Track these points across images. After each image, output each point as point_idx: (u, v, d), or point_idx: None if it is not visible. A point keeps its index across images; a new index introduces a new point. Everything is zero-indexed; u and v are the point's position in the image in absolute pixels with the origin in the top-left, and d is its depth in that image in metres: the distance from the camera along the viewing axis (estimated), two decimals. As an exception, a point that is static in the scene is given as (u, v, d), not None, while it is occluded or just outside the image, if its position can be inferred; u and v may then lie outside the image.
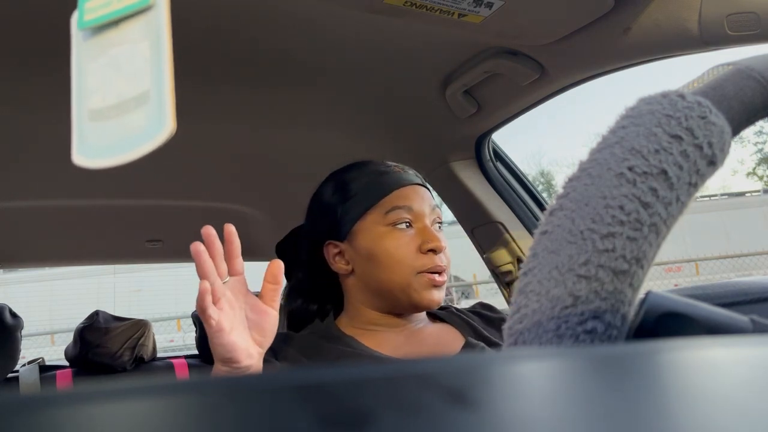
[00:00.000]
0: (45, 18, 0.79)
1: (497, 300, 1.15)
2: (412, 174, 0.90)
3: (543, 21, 0.84)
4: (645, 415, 0.13)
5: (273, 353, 0.79)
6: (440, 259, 0.83)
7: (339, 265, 0.87)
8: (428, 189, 0.91)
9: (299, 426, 0.12)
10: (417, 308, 0.84)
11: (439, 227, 0.87)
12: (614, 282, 0.24)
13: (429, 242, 0.82)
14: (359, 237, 0.85)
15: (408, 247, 0.82)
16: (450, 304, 0.99)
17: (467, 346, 0.83)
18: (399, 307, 0.84)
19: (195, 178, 1.43)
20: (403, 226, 0.84)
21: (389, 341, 0.84)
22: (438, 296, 0.83)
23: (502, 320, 0.89)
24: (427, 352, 0.82)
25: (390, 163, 0.91)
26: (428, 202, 0.87)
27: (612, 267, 0.24)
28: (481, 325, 0.89)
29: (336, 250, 0.87)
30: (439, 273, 0.82)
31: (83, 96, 0.30)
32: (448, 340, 0.86)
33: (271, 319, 0.67)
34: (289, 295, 0.98)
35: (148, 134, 0.27)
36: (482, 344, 0.83)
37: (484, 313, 0.94)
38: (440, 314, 0.92)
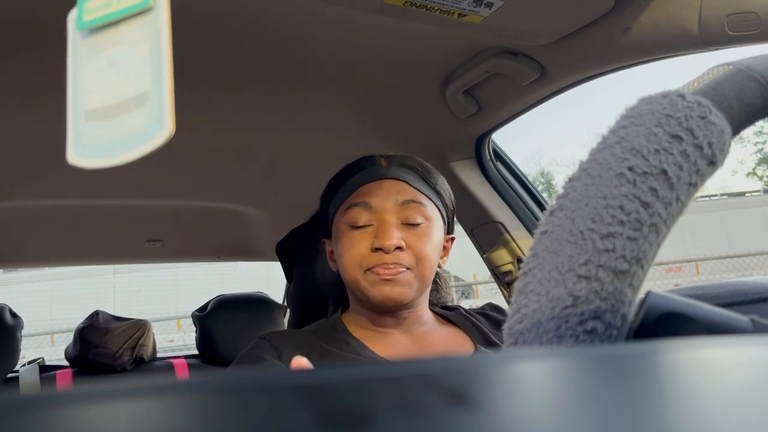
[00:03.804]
0: (44, 17, 0.79)
1: (497, 300, 1.15)
2: (395, 167, 0.83)
3: (543, 21, 0.84)
4: (645, 415, 0.13)
5: (277, 353, 0.78)
6: (391, 258, 0.77)
7: (331, 263, 0.87)
8: (427, 181, 0.84)
9: (299, 426, 0.12)
10: (375, 306, 0.80)
11: (416, 225, 0.80)
12: (614, 282, 0.24)
13: (377, 240, 0.77)
14: (333, 235, 0.85)
15: (361, 245, 0.79)
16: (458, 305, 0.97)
17: (476, 353, 0.81)
18: (367, 305, 0.81)
19: (195, 178, 1.44)
20: (361, 224, 0.80)
21: (397, 345, 0.82)
22: (390, 290, 0.77)
23: None
24: None
25: (380, 155, 0.86)
26: (395, 197, 0.80)
27: (612, 267, 0.24)
28: (490, 329, 0.86)
29: (329, 248, 0.88)
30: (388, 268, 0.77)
31: (79, 96, 0.30)
32: (457, 346, 0.83)
33: None
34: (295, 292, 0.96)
35: (146, 135, 0.27)
36: (491, 352, 0.81)
37: (492, 315, 0.91)
38: (449, 316, 0.89)
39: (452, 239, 0.90)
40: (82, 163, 0.29)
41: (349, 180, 0.84)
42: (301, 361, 0.55)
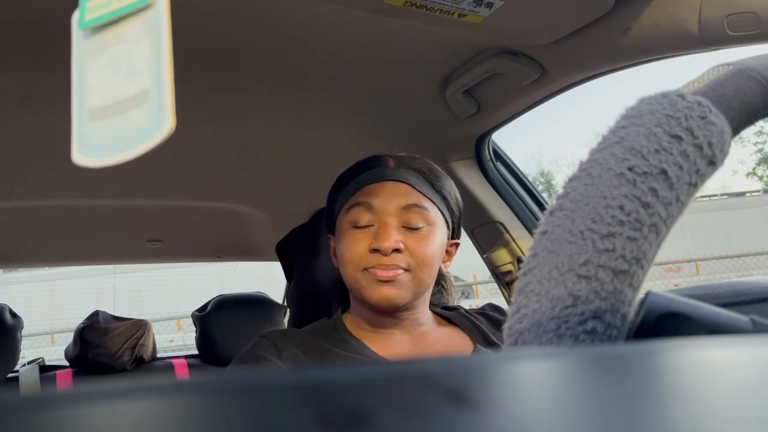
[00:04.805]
0: (44, 17, 0.79)
1: (497, 300, 1.15)
2: (401, 169, 0.83)
3: (543, 21, 0.84)
4: (645, 415, 0.13)
5: (277, 352, 0.78)
6: (388, 260, 0.77)
7: (334, 259, 0.88)
8: (434, 184, 0.83)
9: (299, 426, 0.12)
10: (372, 306, 0.80)
11: (417, 229, 0.79)
12: (614, 282, 0.24)
13: (375, 241, 0.78)
14: (336, 232, 0.85)
15: (360, 245, 0.79)
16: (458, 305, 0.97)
17: (476, 353, 0.81)
18: (366, 305, 0.81)
19: (195, 178, 1.44)
20: (363, 224, 0.80)
21: (397, 345, 0.82)
22: (386, 292, 0.77)
23: None
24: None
25: (389, 156, 0.85)
26: (398, 200, 0.80)
27: (612, 267, 0.24)
28: (490, 329, 0.86)
29: (333, 245, 0.88)
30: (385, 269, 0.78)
31: (83, 95, 0.30)
32: (457, 345, 0.83)
33: None
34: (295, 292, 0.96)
35: (147, 133, 0.27)
36: (491, 352, 0.81)
37: (492, 315, 0.91)
38: (449, 316, 0.89)
39: (457, 245, 0.89)
40: (87, 163, 0.29)
41: (355, 179, 0.84)
42: None
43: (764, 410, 0.14)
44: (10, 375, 1.50)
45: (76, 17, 0.31)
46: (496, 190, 1.26)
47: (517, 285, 0.26)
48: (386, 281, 0.77)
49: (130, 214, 1.60)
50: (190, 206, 1.61)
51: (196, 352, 1.73)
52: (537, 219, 1.23)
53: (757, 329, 0.25)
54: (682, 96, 0.27)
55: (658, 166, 0.25)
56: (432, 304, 0.90)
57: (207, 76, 1.00)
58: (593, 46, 0.87)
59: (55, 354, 6.58)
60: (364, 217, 0.80)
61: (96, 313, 1.60)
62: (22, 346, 1.52)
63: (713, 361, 0.18)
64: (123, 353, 1.53)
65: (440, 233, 0.82)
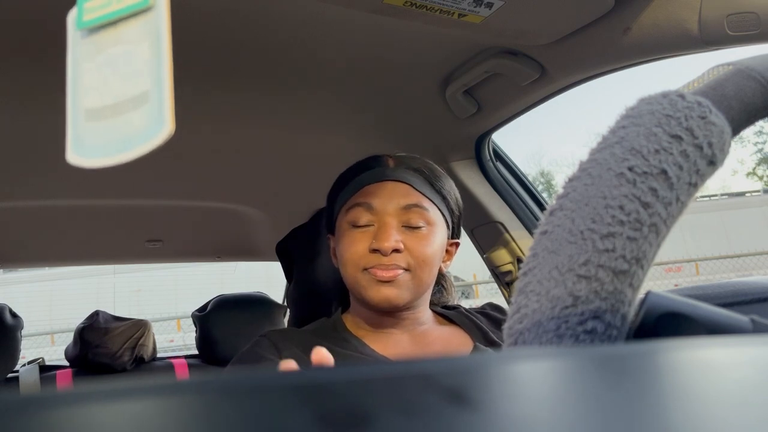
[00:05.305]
0: (44, 17, 0.79)
1: (497, 300, 1.15)
2: (401, 169, 0.83)
3: (543, 21, 0.84)
4: (645, 415, 0.13)
5: (277, 351, 0.79)
6: (388, 260, 0.77)
7: (334, 259, 0.88)
8: (433, 184, 0.83)
9: (299, 426, 0.12)
10: (372, 306, 0.80)
11: (417, 229, 0.79)
12: (614, 282, 0.24)
13: (375, 242, 0.78)
14: (336, 232, 0.85)
15: (360, 245, 0.79)
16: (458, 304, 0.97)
17: (475, 351, 0.80)
18: (366, 305, 0.81)
19: (195, 178, 1.44)
20: (362, 224, 0.80)
21: (397, 344, 0.82)
22: (386, 292, 0.77)
23: None
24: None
25: (389, 156, 0.85)
26: (397, 200, 0.80)
27: (612, 267, 0.24)
28: (489, 328, 0.86)
29: (333, 245, 0.88)
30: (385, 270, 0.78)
31: (78, 95, 0.30)
32: (456, 344, 0.83)
33: None
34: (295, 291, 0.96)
35: (146, 135, 0.27)
36: (490, 350, 0.80)
37: (492, 314, 0.91)
38: (449, 314, 0.89)
39: (457, 244, 0.89)
40: (81, 163, 0.29)
41: (355, 179, 0.84)
42: (289, 364, 0.56)
43: (764, 410, 0.14)
44: (10, 375, 1.50)
45: (72, 17, 0.31)
46: (496, 190, 1.26)
47: (517, 285, 0.26)
48: (386, 281, 0.77)
49: (130, 214, 1.60)
50: (190, 206, 1.61)
51: (196, 352, 1.73)
52: (537, 219, 1.23)
53: (757, 329, 0.25)
54: (682, 96, 0.27)
55: (658, 166, 0.25)
56: (432, 304, 0.91)
57: (207, 76, 1.00)
58: (593, 46, 0.87)
59: (55, 354, 6.58)
60: (364, 217, 0.80)
61: (96, 313, 1.60)
62: (22, 346, 1.52)
63: (713, 361, 0.18)
64: (123, 353, 1.53)
65: (440, 233, 0.82)
